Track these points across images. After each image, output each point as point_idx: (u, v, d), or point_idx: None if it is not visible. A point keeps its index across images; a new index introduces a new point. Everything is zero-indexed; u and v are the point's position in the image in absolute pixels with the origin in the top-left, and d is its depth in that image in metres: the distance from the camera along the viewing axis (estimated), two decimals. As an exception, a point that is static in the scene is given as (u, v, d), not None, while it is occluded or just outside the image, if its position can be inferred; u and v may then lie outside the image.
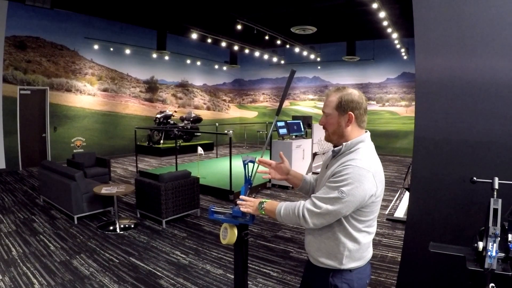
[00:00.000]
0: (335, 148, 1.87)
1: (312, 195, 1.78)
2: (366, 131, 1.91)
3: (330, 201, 1.67)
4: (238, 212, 2.04)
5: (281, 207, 1.85)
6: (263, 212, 1.93)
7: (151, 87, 14.73)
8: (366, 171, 1.67)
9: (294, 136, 8.98)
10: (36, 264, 4.24)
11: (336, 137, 1.88)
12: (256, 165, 2.12)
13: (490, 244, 1.88)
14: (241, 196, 2.06)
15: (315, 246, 1.88)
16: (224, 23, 11.67)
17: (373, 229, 1.86)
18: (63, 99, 11.50)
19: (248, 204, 1.99)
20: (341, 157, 1.82)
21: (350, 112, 1.81)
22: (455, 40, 2.72)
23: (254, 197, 2.03)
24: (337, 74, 16.22)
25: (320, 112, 1.96)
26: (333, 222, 1.76)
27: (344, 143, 1.82)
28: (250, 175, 2.14)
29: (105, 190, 5.64)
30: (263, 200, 1.96)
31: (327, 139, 1.94)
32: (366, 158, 1.74)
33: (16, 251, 4.62)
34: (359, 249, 1.79)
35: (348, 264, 1.79)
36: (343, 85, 1.90)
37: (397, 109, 14.78)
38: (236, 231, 2.08)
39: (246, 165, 2.14)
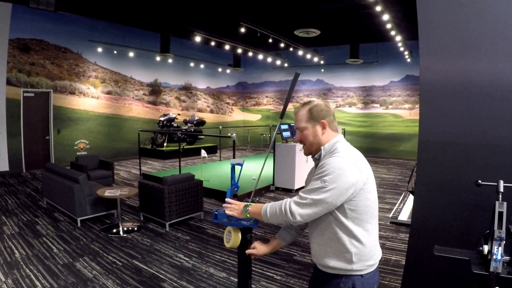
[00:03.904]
0: (316, 155, 1.94)
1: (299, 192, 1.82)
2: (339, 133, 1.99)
3: (315, 191, 1.71)
4: (224, 215, 2.07)
5: (267, 207, 1.87)
6: (248, 215, 1.95)
7: (155, 90, 14.76)
8: (345, 159, 1.75)
9: (297, 139, 8.96)
10: (39, 267, 4.25)
11: (315, 148, 1.94)
12: (242, 168, 2.17)
13: (495, 247, 1.87)
14: (226, 199, 2.08)
15: (321, 253, 1.87)
16: (228, 26, 11.69)
17: (374, 221, 1.86)
18: (67, 102, 11.54)
19: (233, 207, 2.01)
20: (323, 160, 1.87)
21: (323, 120, 1.89)
22: (460, 43, 2.71)
23: (257, 200, 2.04)
24: (340, 77, 16.21)
25: None
26: (332, 223, 1.77)
27: (322, 148, 1.89)
28: (237, 178, 2.17)
29: (108, 192, 5.64)
30: (248, 203, 1.98)
31: (307, 152, 2.00)
32: (344, 151, 1.81)
33: (19, 253, 4.63)
34: (366, 244, 1.78)
35: (358, 263, 1.77)
36: (309, 100, 2.00)
37: (401, 112, 14.74)
38: (240, 234, 2.08)
39: (233, 168, 2.17)
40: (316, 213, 1.73)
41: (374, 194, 1.84)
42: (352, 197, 1.72)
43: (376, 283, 1.89)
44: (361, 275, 1.79)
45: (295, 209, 1.73)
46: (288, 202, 1.76)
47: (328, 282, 1.86)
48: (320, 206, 1.70)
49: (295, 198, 1.76)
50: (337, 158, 1.75)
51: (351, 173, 1.70)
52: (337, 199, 1.69)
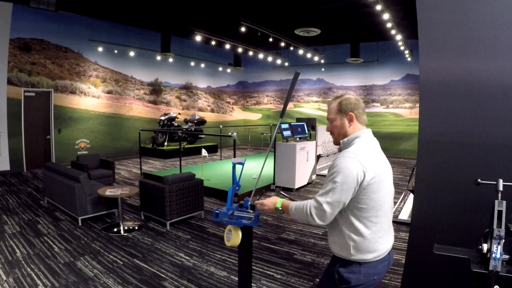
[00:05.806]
0: (339, 147, 2.06)
1: (315, 195, 1.90)
2: (366, 128, 2.07)
3: (328, 194, 1.81)
4: (225, 214, 2.12)
5: (293, 206, 2.01)
6: (279, 208, 2.09)
7: (155, 89, 14.76)
8: (351, 158, 1.82)
9: (298, 138, 8.98)
10: (40, 266, 4.26)
11: (341, 138, 2.04)
12: (243, 167, 2.24)
13: (495, 246, 1.88)
14: (257, 202, 2.19)
15: (330, 239, 2.02)
16: (228, 25, 11.69)
17: (379, 220, 1.90)
18: (68, 101, 11.55)
19: (264, 203, 2.14)
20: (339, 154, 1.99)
21: (350, 112, 2.00)
22: (459, 42, 2.71)
23: (258, 199, 2.11)
24: (341, 76, 16.21)
25: (324, 113, 2.08)
26: (338, 217, 1.89)
27: (341, 141, 2.01)
28: (238, 177, 2.20)
29: (109, 192, 5.65)
30: (279, 201, 2.12)
31: (335, 142, 2.11)
32: (356, 149, 1.90)
33: (21, 252, 4.64)
34: (364, 240, 1.86)
35: (357, 255, 1.87)
36: (342, 93, 2.15)
37: (401, 111, 14.74)
38: (240, 233, 2.10)
39: (234, 167, 2.20)
40: (333, 213, 1.85)
41: (379, 194, 1.88)
42: (357, 194, 1.83)
43: (377, 274, 1.94)
44: (359, 263, 1.89)
45: (314, 213, 1.86)
46: (309, 206, 1.89)
47: (333, 261, 2.02)
48: (335, 207, 1.82)
49: (314, 202, 1.86)
50: (344, 157, 1.84)
51: (356, 171, 1.79)
52: (349, 196, 1.81)
